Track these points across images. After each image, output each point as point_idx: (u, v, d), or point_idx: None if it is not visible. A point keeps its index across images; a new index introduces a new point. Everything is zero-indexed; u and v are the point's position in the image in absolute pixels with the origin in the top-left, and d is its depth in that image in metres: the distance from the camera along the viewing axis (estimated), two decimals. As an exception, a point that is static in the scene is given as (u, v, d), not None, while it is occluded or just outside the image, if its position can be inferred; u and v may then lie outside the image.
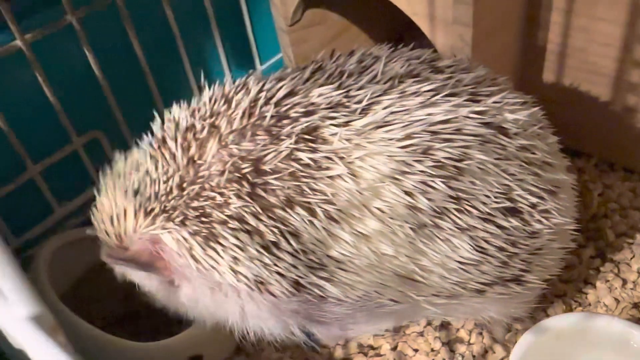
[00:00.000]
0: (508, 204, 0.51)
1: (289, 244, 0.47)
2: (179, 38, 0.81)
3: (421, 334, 0.68)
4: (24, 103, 0.72)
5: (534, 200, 0.52)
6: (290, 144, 0.47)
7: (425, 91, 0.50)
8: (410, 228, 0.48)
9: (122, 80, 0.76)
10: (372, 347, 0.69)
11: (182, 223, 0.48)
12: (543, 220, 0.53)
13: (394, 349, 0.68)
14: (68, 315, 0.59)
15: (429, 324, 0.69)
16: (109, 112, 0.76)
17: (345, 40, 0.95)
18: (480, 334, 0.67)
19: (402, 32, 1.02)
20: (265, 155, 0.47)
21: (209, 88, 0.53)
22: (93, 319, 0.67)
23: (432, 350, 0.67)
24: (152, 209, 0.49)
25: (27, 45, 0.66)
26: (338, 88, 0.50)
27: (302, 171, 0.47)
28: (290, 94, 0.50)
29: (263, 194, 0.47)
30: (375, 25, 0.99)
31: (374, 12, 0.96)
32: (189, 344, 0.64)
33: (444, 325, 0.69)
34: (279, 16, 0.85)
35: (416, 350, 0.67)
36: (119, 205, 0.51)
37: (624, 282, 0.70)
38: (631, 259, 0.72)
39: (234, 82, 0.53)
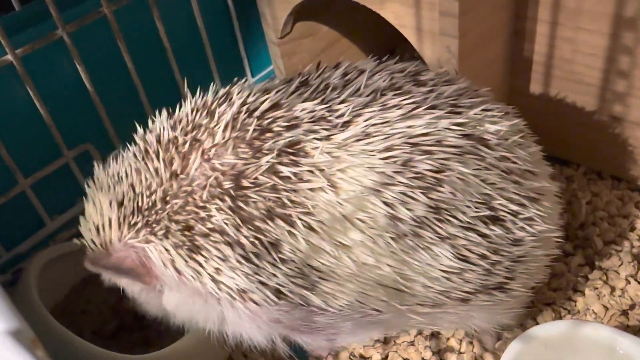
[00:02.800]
0: (489, 212, 0.51)
1: (269, 254, 0.48)
2: (170, 51, 0.81)
3: (412, 343, 0.69)
4: (15, 117, 0.73)
5: (516, 208, 0.52)
6: (272, 158, 0.48)
7: (406, 104, 0.51)
8: (391, 238, 0.48)
9: (113, 93, 0.77)
10: (363, 357, 0.69)
11: (165, 236, 0.49)
12: (526, 227, 0.53)
13: (385, 358, 0.68)
14: (58, 329, 0.59)
15: (419, 333, 0.69)
16: (100, 125, 0.77)
17: (336, 52, 0.96)
18: (471, 343, 0.68)
19: (393, 44, 1.03)
20: (247, 169, 0.48)
21: (192, 97, 0.53)
22: (84, 332, 0.67)
23: (423, 359, 0.67)
24: (136, 222, 0.50)
25: (17, 59, 0.66)
26: (321, 102, 0.51)
27: (282, 185, 0.47)
28: (274, 107, 0.51)
29: (244, 206, 0.47)
30: (366, 37, 1.00)
31: (363, 24, 0.97)
32: (179, 355, 0.64)
33: (435, 335, 0.69)
34: (270, 29, 0.86)
35: (407, 360, 0.68)
36: (104, 215, 0.51)
37: (613, 289, 0.70)
38: (619, 266, 0.73)
39: (217, 92, 0.53)
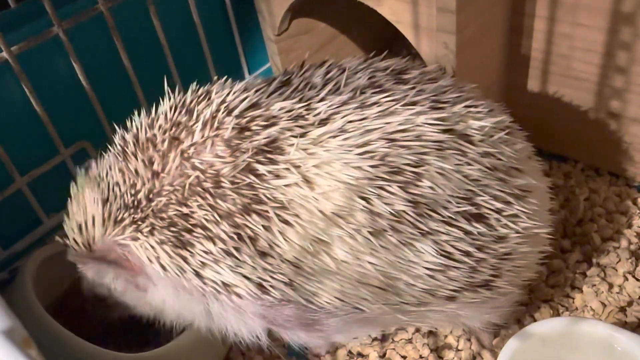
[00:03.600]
0: (471, 208, 0.51)
1: (249, 248, 0.48)
2: (166, 48, 0.81)
3: (409, 340, 0.69)
4: (11, 114, 0.72)
5: (500, 205, 0.52)
6: (249, 156, 0.48)
7: (385, 101, 0.51)
8: (369, 232, 0.48)
9: (110, 90, 0.76)
10: (360, 355, 0.69)
11: (151, 233, 0.50)
12: (510, 224, 0.53)
13: (382, 356, 0.68)
14: (54, 327, 0.59)
15: (417, 330, 0.69)
16: (96, 122, 0.77)
17: (333, 49, 0.95)
18: (469, 340, 0.67)
19: (390, 41, 1.03)
20: (225, 168, 0.48)
21: (171, 96, 0.53)
22: (81, 330, 0.67)
23: (421, 357, 0.67)
24: (122, 219, 0.50)
25: (13, 57, 0.66)
26: (300, 101, 0.51)
27: (259, 183, 0.48)
28: (253, 106, 0.51)
29: (222, 203, 0.48)
30: (363, 33, 1.00)
31: (361, 21, 0.96)
32: (177, 354, 0.64)
33: (432, 332, 0.69)
34: (267, 26, 0.86)
35: (404, 357, 0.67)
36: (87, 213, 0.52)
37: (610, 286, 0.70)
38: (617, 263, 0.72)
39: (197, 91, 0.53)
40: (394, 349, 0.68)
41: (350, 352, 0.69)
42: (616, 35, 0.70)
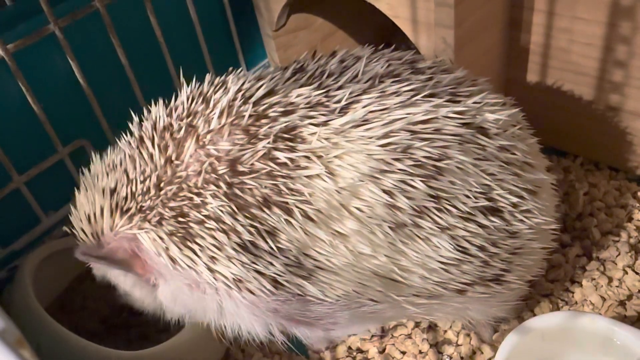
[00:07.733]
0: (488, 203, 0.51)
1: (266, 242, 0.47)
2: (164, 46, 0.81)
3: (409, 336, 0.69)
4: (8, 113, 0.72)
5: (515, 199, 0.52)
6: (268, 143, 0.47)
7: (405, 91, 0.50)
8: (389, 227, 0.48)
9: (107, 88, 0.76)
10: (360, 351, 0.69)
11: (159, 223, 0.48)
12: (524, 219, 0.53)
13: (382, 351, 0.68)
14: (54, 326, 0.59)
15: (416, 325, 0.69)
16: (94, 120, 0.76)
17: (331, 45, 0.95)
18: (468, 335, 0.67)
19: (389, 36, 1.02)
20: (243, 155, 0.47)
21: (187, 87, 0.53)
22: (80, 328, 0.67)
23: (420, 352, 0.67)
24: (129, 209, 0.49)
25: (9, 55, 0.65)
26: (318, 88, 0.50)
27: (279, 171, 0.47)
28: (270, 93, 0.50)
29: (240, 193, 0.47)
30: (361, 29, 1.00)
31: (359, 16, 0.96)
32: (177, 351, 0.64)
33: (432, 327, 0.69)
34: (264, 21, 0.86)
35: (404, 353, 0.67)
36: (95, 204, 0.51)
37: (610, 280, 0.70)
38: (617, 257, 0.72)
39: (213, 82, 0.53)
40: (393, 344, 0.68)
41: (349, 347, 0.70)
42: (615, 29, 0.69)
